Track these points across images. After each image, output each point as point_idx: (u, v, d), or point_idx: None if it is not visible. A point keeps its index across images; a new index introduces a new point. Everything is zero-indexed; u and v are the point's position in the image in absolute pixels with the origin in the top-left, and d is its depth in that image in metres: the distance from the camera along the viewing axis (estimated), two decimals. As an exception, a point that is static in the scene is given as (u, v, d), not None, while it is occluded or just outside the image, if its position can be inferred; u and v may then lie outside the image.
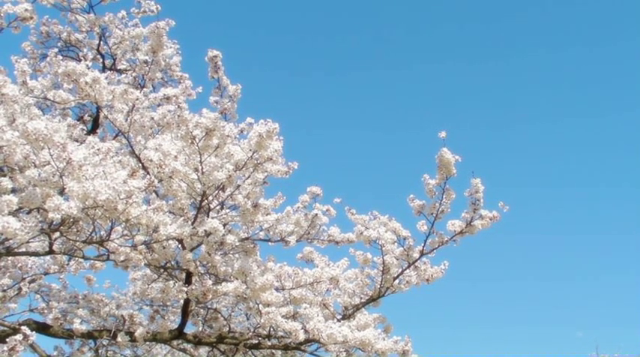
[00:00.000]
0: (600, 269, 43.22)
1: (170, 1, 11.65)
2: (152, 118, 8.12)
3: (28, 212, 7.39)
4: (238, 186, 8.00)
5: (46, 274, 10.96)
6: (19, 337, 5.81)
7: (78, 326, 9.32)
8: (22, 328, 5.88)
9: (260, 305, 8.20)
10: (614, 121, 50.66)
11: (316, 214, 9.51)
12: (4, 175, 7.25)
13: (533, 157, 48.84)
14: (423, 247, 8.97)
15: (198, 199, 7.91)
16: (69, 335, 9.53)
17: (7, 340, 5.86)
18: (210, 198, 7.99)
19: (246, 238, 9.13)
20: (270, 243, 9.48)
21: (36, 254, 8.48)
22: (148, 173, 7.25)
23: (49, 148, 6.25)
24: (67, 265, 10.23)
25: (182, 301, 8.85)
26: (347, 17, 51.18)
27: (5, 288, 10.43)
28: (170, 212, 7.67)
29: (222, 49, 8.91)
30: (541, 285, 41.71)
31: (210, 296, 8.24)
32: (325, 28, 52.16)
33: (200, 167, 7.43)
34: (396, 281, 9.06)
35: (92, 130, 10.93)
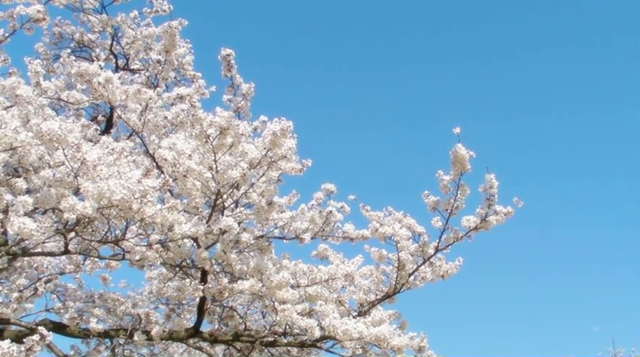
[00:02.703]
0: (616, 263, 43.09)
1: (180, 0, 11.66)
2: (166, 118, 8.13)
3: (43, 213, 7.43)
4: (252, 184, 7.99)
5: (61, 273, 11.02)
6: (36, 337, 5.82)
7: (94, 325, 9.36)
8: (39, 328, 5.89)
9: (276, 303, 8.21)
10: (634, 114, 50.38)
11: (331, 211, 9.50)
12: (19, 176, 7.28)
13: (550, 151, 48.66)
14: (438, 243, 8.94)
15: (213, 197, 7.92)
16: (85, 335, 9.57)
17: (25, 340, 5.87)
18: (225, 196, 8.00)
19: (261, 236, 9.14)
20: (284, 240, 9.48)
21: (52, 254, 8.51)
22: (162, 172, 7.27)
23: (64, 149, 6.27)
24: (83, 264, 10.28)
25: (198, 300, 8.86)
26: (361, 16, 51.12)
27: (21, 288, 10.48)
28: (185, 211, 7.69)
29: (234, 48, 8.92)
30: (556, 280, 41.65)
31: (226, 294, 8.26)
32: (339, 26, 52.15)
33: (214, 166, 7.44)
34: (411, 277, 9.04)
35: (106, 130, 10.97)
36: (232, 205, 8.57)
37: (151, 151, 7.98)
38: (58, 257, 10.37)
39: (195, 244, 8.17)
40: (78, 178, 6.39)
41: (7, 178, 7.23)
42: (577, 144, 49.96)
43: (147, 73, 10.21)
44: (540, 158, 49.44)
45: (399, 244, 8.87)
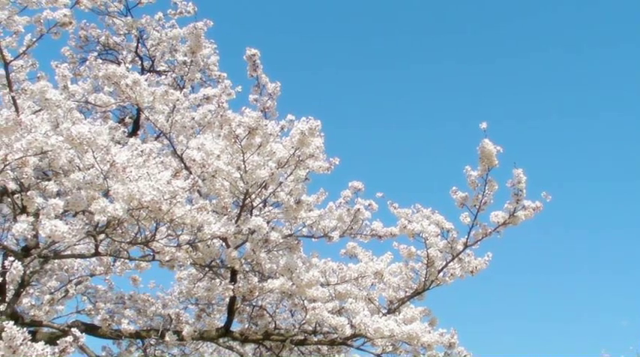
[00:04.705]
0: (640, 256, 42.64)
1: (203, 1, 11.72)
2: (193, 118, 8.16)
3: (74, 215, 7.47)
4: (281, 183, 8.01)
5: (92, 275, 11.09)
6: (69, 338, 5.85)
7: (126, 326, 9.40)
8: (72, 329, 5.92)
9: (305, 301, 8.22)
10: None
11: (359, 209, 9.48)
12: (49, 179, 7.33)
13: (578, 149, 48.24)
14: (467, 239, 8.92)
15: (241, 197, 7.94)
16: (117, 336, 9.62)
17: (58, 341, 5.90)
18: (253, 196, 8.02)
19: (290, 235, 9.15)
20: (313, 239, 9.48)
21: (82, 256, 8.57)
22: (191, 173, 7.29)
23: (93, 151, 6.31)
24: (113, 266, 10.33)
25: (228, 299, 8.88)
26: (385, 15, 50.85)
27: (53, 290, 10.56)
28: (213, 211, 7.71)
29: (257, 48, 8.92)
30: (585, 275, 41.33)
31: (257, 293, 8.28)
32: (362, 25, 51.92)
33: (243, 166, 7.46)
34: (441, 274, 9.02)
35: (133, 132, 11.01)
36: (260, 205, 8.59)
37: (178, 152, 8.02)
38: (88, 259, 10.43)
39: (224, 244, 8.19)
40: (107, 180, 6.42)
41: (37, 181, 7.28)
42: (607, 141, 49.45)
43: (173, 75, 10.26)
44: (570, 156, 48.97)
45: (427, 241, 8.84)
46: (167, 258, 7.41)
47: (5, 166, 6.27)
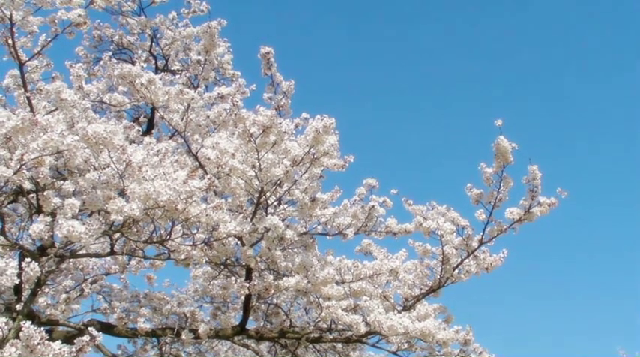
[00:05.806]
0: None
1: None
2: (207, 117, 8.17)
3: (89, 215, 7.50)
4: (295, 181, 8.02)
5: (107, 274, 11.13)
6: (86, 337, 5.86)
7: (142, 325, 9.43)
8: (89, 328, 5.93)
9: (320, 299, 8.23)
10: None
11: (373, 206, 9.50)
12: (65, 179, 7.35)
13: (598, 148, 48.00)
14: (482, 236, 8.93)
15: (256, 195, 7.94)
16: (133, 334, 9.65)
17: (75, 340, 5.91)
18: (268, 194, 8.02)
19: (305, 233, 9.16)
20: (328, 236, 9.48)
21: (98, 255, 8.60)
22: (206, 172, 7.30)
23: (109, 151, 6.33)
24: (128, 264, 10.37)
25: (243, 297, 8.89)
26: (401, 12, 50.67)
27: (68, 289, 10.60)
28: (228, 209, 7.72)
29: (272, 46, 8.93)
30: (601, 271, 41.19)
31: (272, 291, 8.29)
32: (379, 20, 51.74)
33: (257, 164, 7.46)
34: (456, 271, 9.03)
35: (147, 131, 11.04)
36: (275, 203, 8.60)
37: (193, 151, 8.04)
38: (103, 258, 10.48)
39: (239, 242, 8.21)
40: (123, 179, 6.44)
41: (53, 180, 7.31)
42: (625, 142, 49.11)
43: (187, 74, 10.28)
44: (594, 153, 48.61)
45: (443, 238, 8.85)
46: (182, 256, 7.42)
47: (21, 165, 6.29)
